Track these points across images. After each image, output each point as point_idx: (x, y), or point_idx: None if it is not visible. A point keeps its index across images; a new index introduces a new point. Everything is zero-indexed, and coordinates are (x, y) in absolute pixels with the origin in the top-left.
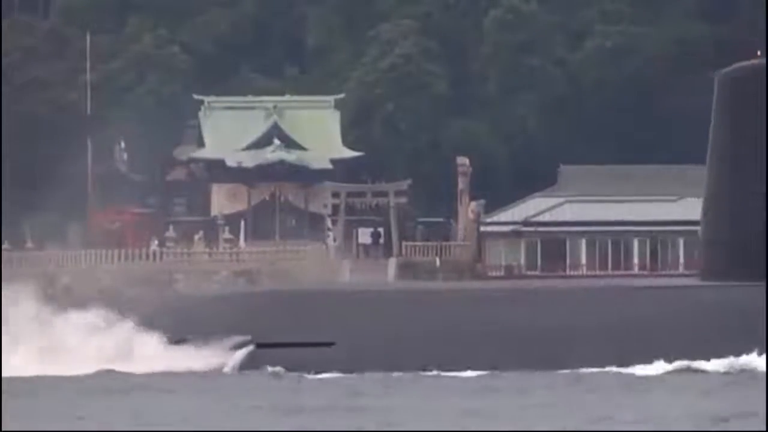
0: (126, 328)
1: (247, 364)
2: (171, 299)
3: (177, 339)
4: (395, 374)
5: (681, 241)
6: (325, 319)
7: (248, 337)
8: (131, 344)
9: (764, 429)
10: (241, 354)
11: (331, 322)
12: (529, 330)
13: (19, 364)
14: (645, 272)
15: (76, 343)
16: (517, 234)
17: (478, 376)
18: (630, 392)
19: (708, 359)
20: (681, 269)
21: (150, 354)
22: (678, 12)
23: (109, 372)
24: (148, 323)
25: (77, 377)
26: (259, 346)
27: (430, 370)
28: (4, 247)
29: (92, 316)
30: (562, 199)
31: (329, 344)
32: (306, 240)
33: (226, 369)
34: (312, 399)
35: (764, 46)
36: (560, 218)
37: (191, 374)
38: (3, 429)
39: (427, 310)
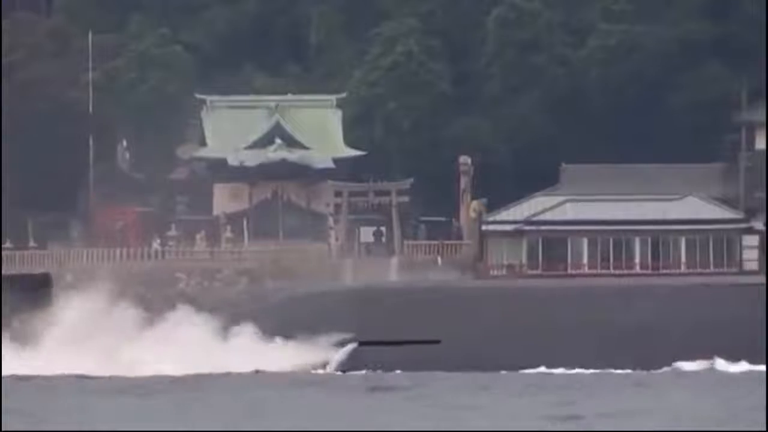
0: (246, 329)
1: (349, 362)
2: (271, 297)
3: (280, 337)
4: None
5: (683, 240)
6: (429, 317)
7: (351, 335)
8: (234, 340)
9: (764, 429)
10: (343, 352)
11: (435, 320)
12: (631, 326)
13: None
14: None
15: (198, 344)
16: (519, 233)
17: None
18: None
19: None
20: (683, 268)
21: (255, 351)
22: (680, 10)
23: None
24: (252, 321)
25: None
26: (361, 344)
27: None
28: (6, 246)
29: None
30: (563, 198)
31: (435, 342)
32: (308, 239)
33: (329, 367)
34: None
35: (764, 45)
36: (562, 217)
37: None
38: (3, 429)
39: (527, 308)
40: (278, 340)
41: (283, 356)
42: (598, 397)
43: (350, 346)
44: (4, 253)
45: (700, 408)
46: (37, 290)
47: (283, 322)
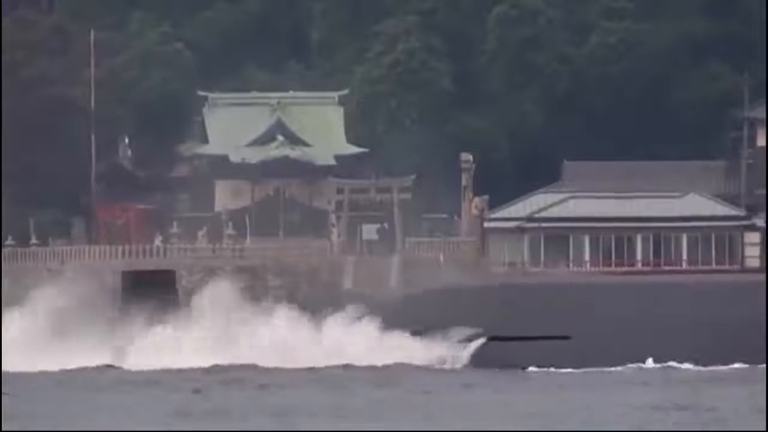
0: (371, 323)
1: (478, 358)
2: (401, 293)
3: (412, 332)
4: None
5: (684, 238)
6: (556, 312)
7: (480, 330)
8: (378, 339)
9: (764, 429)
10: (473, 347)
11: (562, 315)
12: (744, 322)
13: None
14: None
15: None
16: (521, 230)
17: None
18: None
19: None
20: (684, 266)
21: (391, 347)
22: (681, 8)
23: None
24: (381, 317)
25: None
26: (490, 339)
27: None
28: (8, 242)
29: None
30: (565, 195)
31: (565, 338)
32: (310, 236)
33: (458, 362)
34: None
35: (765, 42)
36: (564, 214)
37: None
38: (3, 429)
39: (647, 303)
40: (408, 335)
41: (413, 351)
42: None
43: (479, 341)
44: (5, 250)
45: None
46: (163, 287)
47: (413, 317)
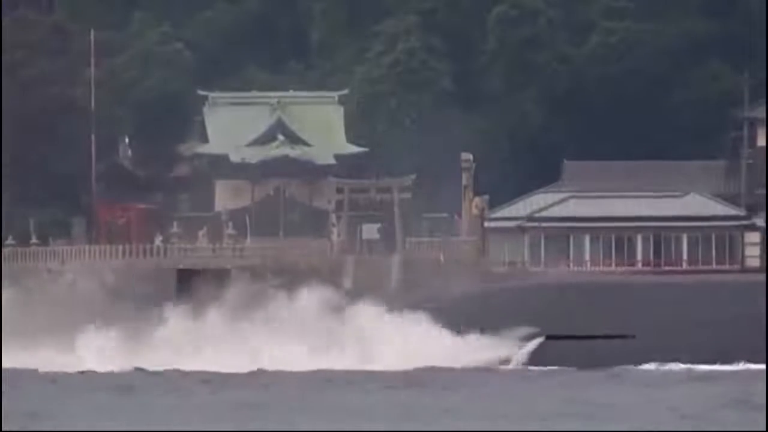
0: (421, 322)
1: (535, 357)
2: (457, 292)
3: (467, 331)
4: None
5: (684, 237)
6: (619, 311)
7: (537, 329)
8: (427, 337)
9: (764, 429)
10: (530, 346)
11: (626, 314)
12: None
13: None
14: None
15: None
16: (521, 230)
17: None
18: None
19: None
20: (684, 265)
21: (439, 346)
22: (681, 8)
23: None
24: (437, 316)
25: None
26: (548, 338)
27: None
28: (8, 242)
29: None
30: (566, 195)
31: (629, 336)
32: (310, 236)
33: (515, 361)
34: None
35: (765, 44)
36: (564, 214)
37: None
38: (3, 429)
39: (711, 301)
40: (466, 334)
41: (471, 350)
42: None
43: (537, 341)
44: (5, 250)
45: None
46: (218, 286)
47: (471, 316)
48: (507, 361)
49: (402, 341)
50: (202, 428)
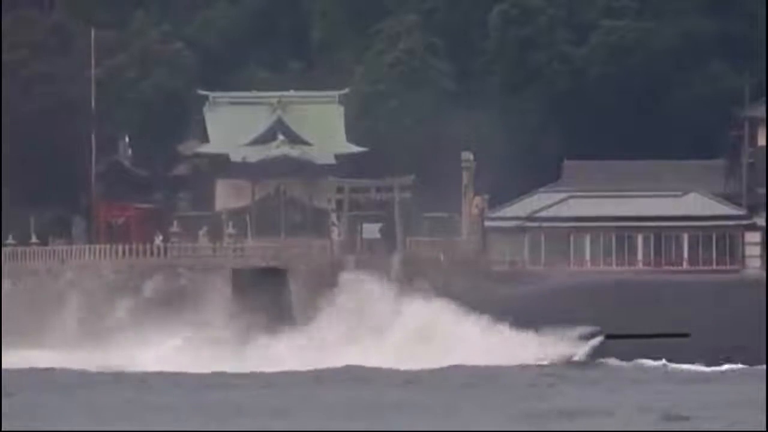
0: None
1: (594, 355)
2: (516, 290)
3: (526, 329)
4: None
5: (685, 237)
6: (675, 309)
7: (597, 328)
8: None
9: (764, 429)
10: (590, 345)
11: (682, 312)
12: None
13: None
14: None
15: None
16: (521, 229)
17: None
18: None
19: None
20: (685, 265)
21: (499, 344)
22: (682, 7)
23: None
24: (495, 314)
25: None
26: (608, 337)
27: None
28: (8, 242)
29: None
30: (566, 195)
31: (685, 335)
32: (310, 235)
33: (575, 359)
34: None
35: (765, 43)
36: (564, 213)
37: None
38: (3, 429)
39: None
40: (526, 332)
41: (530, 349)
42: None
43: (597, 339)
44: (5, 249)
45: None
46: (275, 285)
47: (531, 315)
48: (568, 359)
49: (468, 339)
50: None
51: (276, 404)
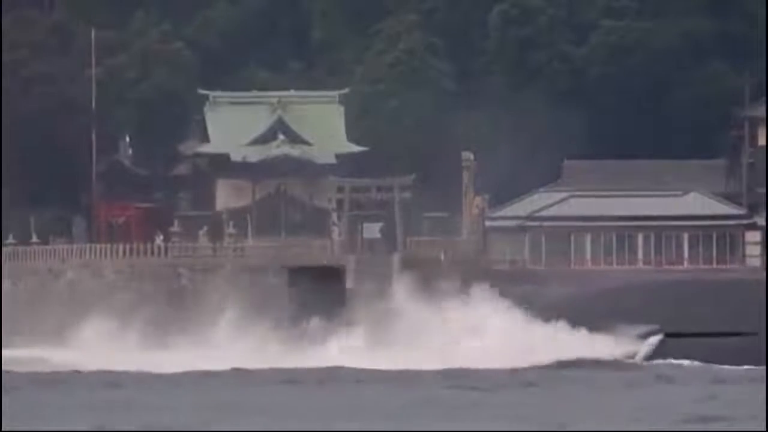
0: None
1: (655, 354)
2: (574, 289)
3: (587, 327)
4: None
5: (686, 236)
6: (741, 308)
7: (656, 326)
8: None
9: (764, 429)
10: (650, 343)
11: (747, 311)
12: None
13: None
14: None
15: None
16: (522, 229)
17: None
18: None
19: None
20: (685, 264)
21: (559, 342)
22: (682, 7)
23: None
24: (554, 313)
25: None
26: (667, 335)
27: None
28: (9, 241)
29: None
30: (566, 194)
31: (751, 334)
32: (311, 235)
33: (636, 358)
34: None
35: (765, 43)
36: (565, 213)
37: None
38: (3, 429)
39: None
40: (584, 331)
41: (590, 347)
42: None
43: (656, 338)
44: (5, 249)
45: None
46: (331, 284)
47: (590, 314)
48: (627, 358)
49: (526, 338)
50: None
51: (344, 404)
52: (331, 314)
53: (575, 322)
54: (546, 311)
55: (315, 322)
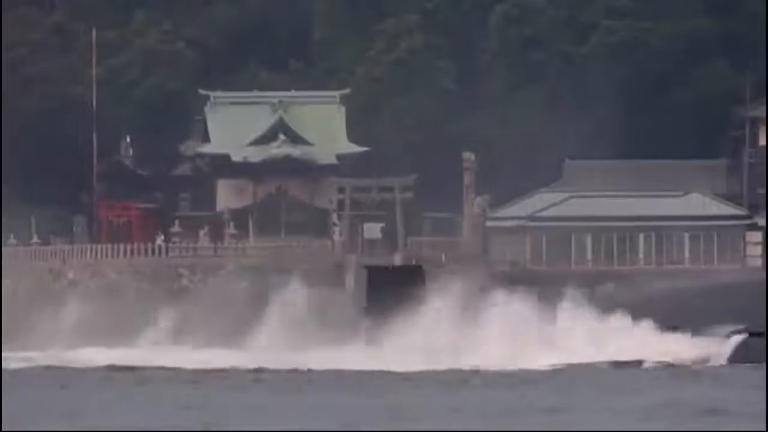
0: (620, 318)
1: (739, 355)
2: (658, 289)
3: (670, 327)
4: None
5: (686, 236)
6: None
7: (741, 326)
8: (628, 333)
9: (764, 429)
10: (734, 343)
11: None
12: None
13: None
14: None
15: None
16: (523, 229)
17: None
18: None
19: None
20: (686, 264)
21: (644, 342)
22: (683, 7)
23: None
24: (640, 313)
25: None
26: (751, 335)
27: None
28: (9, 241)
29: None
30: (567, 194)
31: None
32: (311, 235)
33: (719, 359)
34: None
35: (765, 43)
36: (565, 213)
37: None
38: (3, 429)
39: None
40: (668, 331)
41: (673, 347)
42: None
43: (740, 338)
44: (6, 249)
45: None
46: (411, 283)
47: (672, 314)
48: (710, 358)
49: (609, 338)
50: None
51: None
52: (410, 312)
53: (657, 321)
54: (633, 312)
55: (393, 319)
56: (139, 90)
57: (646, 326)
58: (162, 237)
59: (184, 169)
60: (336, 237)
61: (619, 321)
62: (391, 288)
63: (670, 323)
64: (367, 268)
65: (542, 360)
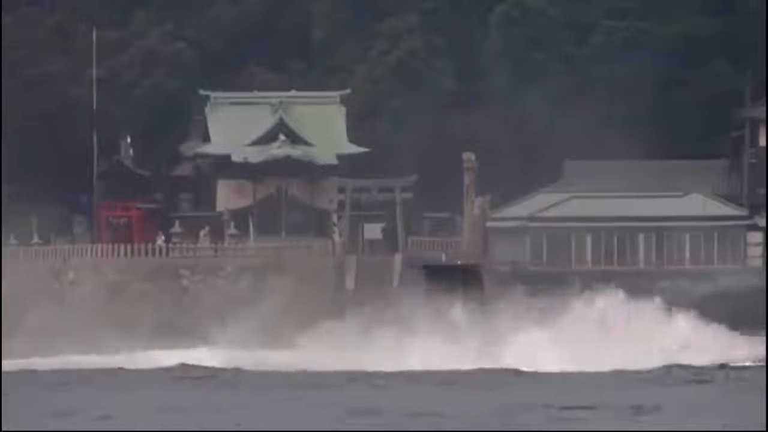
0: (685, 319)
1: None
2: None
3: (734, 328)
4: None
5: (687, 237)
6: None
7: None
8: (691, 335)
9: (764, 429)
10: None
11: None
12: None
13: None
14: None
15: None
16: (523, 229)
17: None
18: None
19: None
20: (687, 265)
21: (710, 344)
22: (683, 7)
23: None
24: (703, 313)
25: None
26: None
27: None
28: (10, 241)
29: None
30: (567, 195)
31: None
32: (312, 235)
33: None
34: None
35: (766, 43)
36: (566, 214)
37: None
38: (3, 429)
39: None
40: (721, 331)
41: (728, 346)
42: None
43: None
44: (7, 249)
45: None
46: (469, 282)
47: (726, 313)
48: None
49: (667, 337)
50: None
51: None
52: (469, 312)
53: (715, 321)
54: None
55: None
56: (139, 90)
57: (717, 327)
58: (162, 237)
59: (184, 170)
60: (336, 237)
61: (687, 320)
62: (447, 288)
63: (734, 323)
64: (425, 267)
65: (656, 360)
